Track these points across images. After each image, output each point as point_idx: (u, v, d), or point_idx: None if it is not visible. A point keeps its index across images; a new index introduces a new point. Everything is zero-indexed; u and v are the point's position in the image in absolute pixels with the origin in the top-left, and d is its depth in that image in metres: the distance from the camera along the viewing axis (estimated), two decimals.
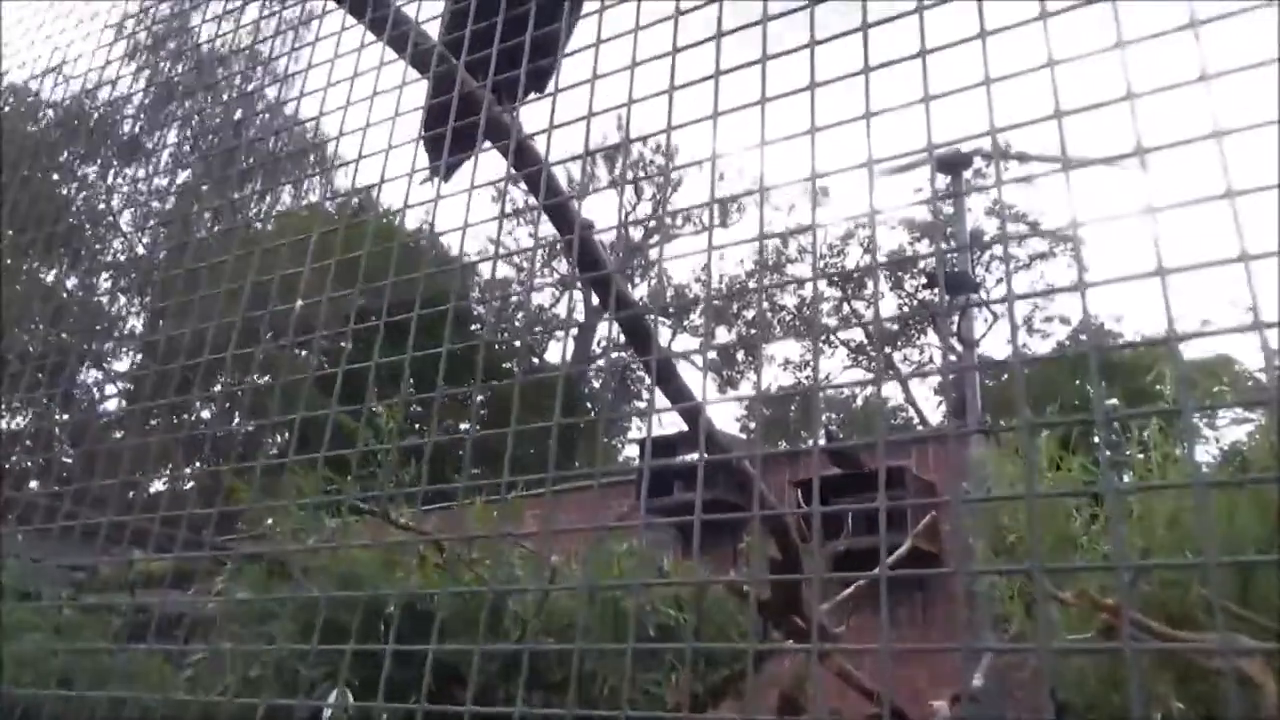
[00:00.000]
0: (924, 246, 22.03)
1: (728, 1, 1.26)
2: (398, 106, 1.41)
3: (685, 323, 22.35)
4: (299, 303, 1.42)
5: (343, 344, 1.50)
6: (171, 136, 2.62)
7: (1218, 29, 0.80)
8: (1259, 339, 0.65)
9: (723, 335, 22.81)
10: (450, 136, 1.34)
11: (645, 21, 1.20)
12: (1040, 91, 0.95)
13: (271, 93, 2.22)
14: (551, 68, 1.34)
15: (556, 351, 23.40)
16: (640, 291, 21.69)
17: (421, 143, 1.50)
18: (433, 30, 1.74)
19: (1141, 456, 2.93)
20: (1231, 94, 0.82)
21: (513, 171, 1.56)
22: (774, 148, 1.12)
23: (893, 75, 1.06)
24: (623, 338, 3.10)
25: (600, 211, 1.83)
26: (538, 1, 1.29)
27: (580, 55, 1.32)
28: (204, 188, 2.40)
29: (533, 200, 2.09)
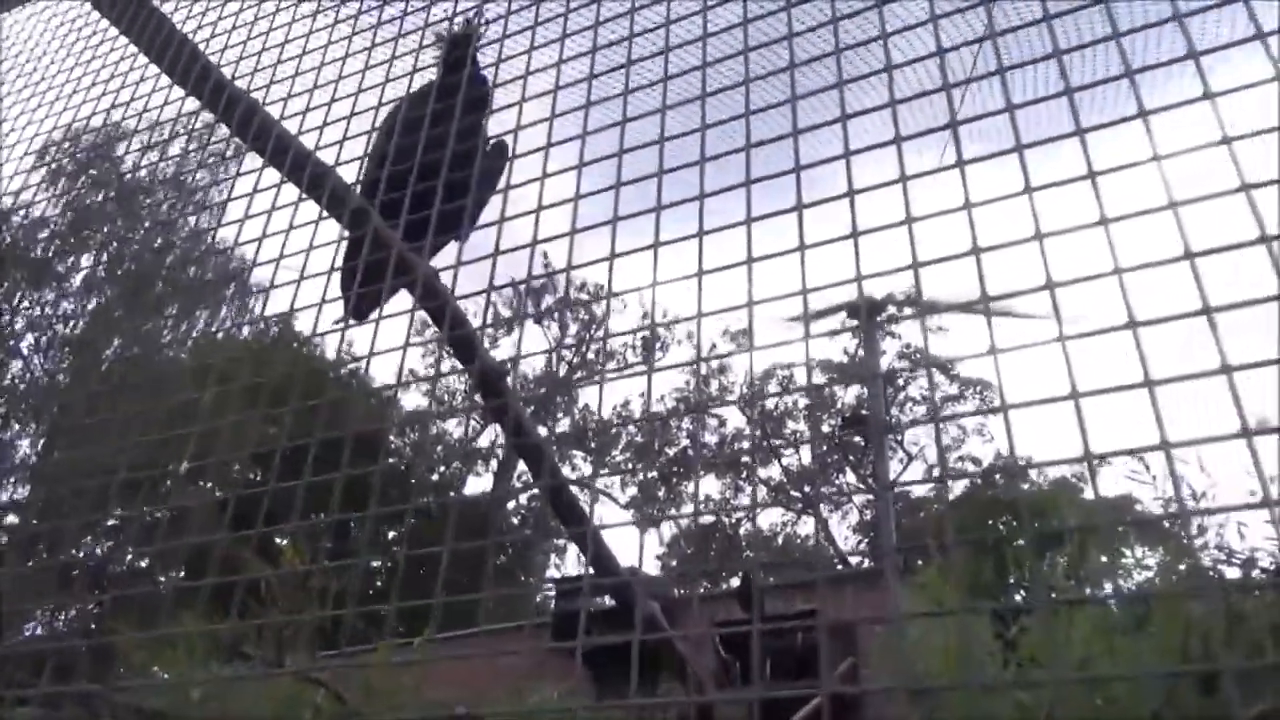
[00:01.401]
0: (839, 387, 22.62)
1: (668, 142, 1.34)
2: (332, 262, 1.42)
3: (608, 460, 22.23)
4: (216, 442, 1.39)
5: (253, 476, 1.45)
6: (86, 261, 2.58)
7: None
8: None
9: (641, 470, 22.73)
10: (368, 292, 1.36)
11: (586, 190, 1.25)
12: (955, 239, 1.01)
13: (194, 221, 2.22)
14: (465, 226, 1.40)
15: (475, 485, 22.97)
16: (563, 426, 21.62)
17: (341, 293, 1.52)
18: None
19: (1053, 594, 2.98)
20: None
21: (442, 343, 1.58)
22: (704, 293, 1.17)
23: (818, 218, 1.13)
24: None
25: (530, 344, 1.86)
26: (450, 177, 1.35)
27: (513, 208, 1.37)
28: (117, 315, 2.34)
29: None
